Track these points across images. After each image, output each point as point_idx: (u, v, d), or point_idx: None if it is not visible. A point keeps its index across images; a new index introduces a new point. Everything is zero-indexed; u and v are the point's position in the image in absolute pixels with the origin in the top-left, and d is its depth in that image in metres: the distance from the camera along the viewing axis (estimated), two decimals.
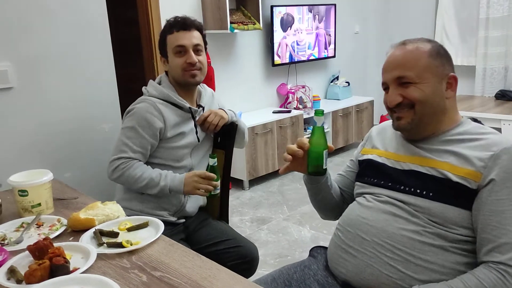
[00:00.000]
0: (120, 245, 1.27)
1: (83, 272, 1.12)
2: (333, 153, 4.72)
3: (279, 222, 3.28)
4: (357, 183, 1.44)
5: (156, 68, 3.66)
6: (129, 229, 1.39)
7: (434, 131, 1.29)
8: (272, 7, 4.22)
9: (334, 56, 4.92)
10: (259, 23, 3.96)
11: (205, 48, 1.88)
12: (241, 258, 1.84)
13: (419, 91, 1.23)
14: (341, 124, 4.64)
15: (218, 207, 2.05)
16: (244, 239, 1.90)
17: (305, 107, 4.45)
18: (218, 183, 1.75)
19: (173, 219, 1.85)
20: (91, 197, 1.71)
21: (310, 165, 1.30)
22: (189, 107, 1.84)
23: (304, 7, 4.48)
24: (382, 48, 5.66)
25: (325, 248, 1.52)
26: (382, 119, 5.50)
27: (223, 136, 2.02)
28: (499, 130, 4.01)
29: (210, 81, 3.61)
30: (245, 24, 3.87)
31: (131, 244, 1.27)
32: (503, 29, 4.64)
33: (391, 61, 1.29)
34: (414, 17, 5.38)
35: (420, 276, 1.16)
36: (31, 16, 1.93)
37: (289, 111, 4.23)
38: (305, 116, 4.30)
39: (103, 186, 2.00)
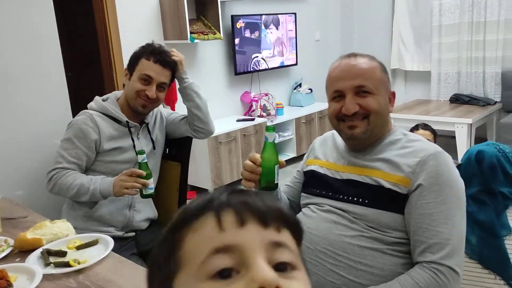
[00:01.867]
0: (67, 265, 1.26)
1: None
2: (296, 159, 4.78)
3: None
4: (303, 194, 1.48)
5: (116, 80, 3.63)
6: (78, 248, 1.38)
7: (374, 141, 1.34)
8: (232, 16, 4.25)
9: (296, 64, 4.99)
10: (220, 32, 3.98)
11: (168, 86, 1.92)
12: None
13: (376, 102, 1.28)
14: (304, 131, 4.71)
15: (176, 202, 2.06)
16: None
17: (268, 114, 4.50)
18: (150, 181, 1.66)
19: (120, 233, 1.85)
20: (42, 216, 1.69)
21: (263, 180, 1.32)
22: (127, 121, 1.85)
23: (264, 16, 4.53)
24: (342, 54, 5.77)
25: None
26: None
27: (178, 148, 2.03)
28: (453, 132, 4.16)
29: (171, 90, 3.62)
30: (205, 34, 3.88)
31: (79, 263, 1.26)
32: (455, 36, 4.83)
33: (348, 69, 1.30)
34: (371, 25, 5.53)
35: (361, 281, 1.20)
36: None
37: (252, 119, 4.27)
38: (269, 123, 4.34)
39: (56, 203, 1.97)
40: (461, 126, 4.07)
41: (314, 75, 5.39)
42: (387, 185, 1.24)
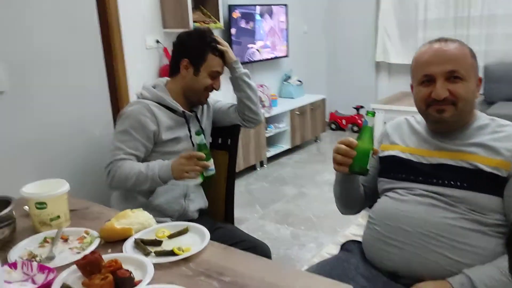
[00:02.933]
0: (172, 253, 1.21)
1: (149, 284, 1.06)
2: (291, 150, 4.82)
3: (255, 221, 3.28)
4: (383, 179, 1.49)
5: (115, 65, 3.49)
6: (170, 237, 1.33)
7: (461, 125, 1.37)
8: (230, 6, 4.20)
9: (287, 56, 5.00)
10: (219, 21, 3.93)
11: None
12: None
13: (466, 88, 1.30)
14: (298, 122, 4.74)
15: (222, 209, 2.02)
16: (256, 240, 1.89)
17: (264, 106, 4.49)
18: (210, 162, 1.61)
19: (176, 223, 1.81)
20: (102, 206, 1.61)
21: (356, 165, 1.32)
22: (183, 111, 1.81)
23: (259, 7, 4.51)
24: (329, 47, 5.86)
25: (358, 242, 1.56)
26: (332, 116, 5.70)
27: (226, 136, 2.00)
28: None
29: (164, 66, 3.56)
30: (206, 23, 3.81)
31: (183, 251, 1.22)
32: (440, 30, 5.00)
33: (440, 54, 1.31)
34: (357, 19, 5.63)
35: (466, 260, 1.23)
36: (24, 19, 1.78)
37: None
38: (266, 115, 4.34)
39: (102, 194, 1.89)
40: (412, 115, 4.21)
41: (303, 67, 5.44)
42: (487, 169, 1.26)
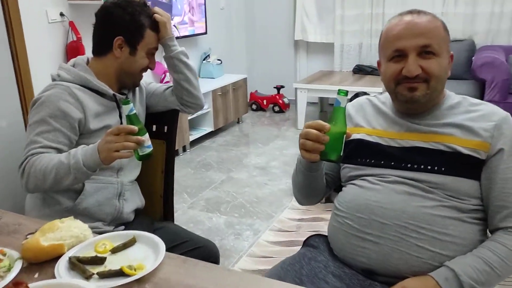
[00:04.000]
0: (121, 273, 0.98)
1: None
2: (214, 133, 4.61)
3: (185, 212, 3.06)
4: (348, 165, 1.36)
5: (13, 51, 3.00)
6: (114, 251, 1.09)
7: (431, 105, 1.28)
8: None
9: (206, 33, 4.74)
10: None
11: None
12: (205, 260, 1.62)
13: (439, 66, 1.21)
14: (220, 103, 4.54)
15: (160, 207, 1.79)
16: (201, 239, 1.70)
17: None
18: (146, 137, 1.29)
19: (110, 228, 1.55)
20: (19, 215, 1.30)
21: (331, 151, 1.16)
22: (113, 94, 1.54)
23: None
24: (247, 24, 5.68)
25: (324, 236, 1.42)
26: (252, 96, 5.57)
27: (161, 123, 1.75)
28: None
29: (78, 45, 3.16)
30: None
31: (135, 270, 0.99)
32: (357, 9, 5.06)
33: (412, 27, 1.21)
34: None
35: (447, 252, 1.15)
36: None
37: None
38: None
39: (17, 201, 1.55)
40: (373, 95, 4.31)
41: (222, 45, 5.22)
42: (465, 151, 1.19)
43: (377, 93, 4.28)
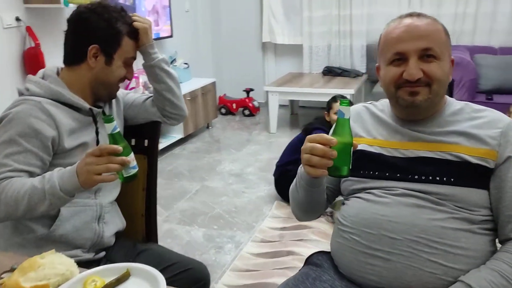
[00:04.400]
0: None
1: None
2: (184, 139, 4.46)
3: (160, 226, 2.89)
4: (351, 178, 1.27)
5: None
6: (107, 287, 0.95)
7: (433, 112, 1.22)
8: None
9: (171, 36, 4.58)
10: None
11: None
12: (195, 283, 1.50)
13: (440, 69, 1.16)
14: (189, 109, 4.38)
15: (142, 227, 1.65)
16: (191, 260, 1.57)
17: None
18: (131, 157, 1.16)
19: (90, 255, 1.40)
20: None
21: (340, 166, 1.08)
22: (90, 108, 1.39)
23: None
24: (213, 27, 5.55)
25: (327, 253, 1.33)
26: (221, 100, 5.44)
27: (141, 136, 1.61)
28: None
29: (36, 53, 2.96)
30: None
31: None
32: (325, 10, 5.03)
33: (413, 30, 1.15)
34: None
35: (460, 266, 1.09)
36: None
37: None
38: None
39: None
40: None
41: (188, 48, 5.07)
42: (473, 160, 1.13)
43: (349, 94, 4.26)
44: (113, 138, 1.15)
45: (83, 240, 1.37)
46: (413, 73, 1.13)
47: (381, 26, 4.97)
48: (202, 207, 3.15)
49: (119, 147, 1.13)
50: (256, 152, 4.19)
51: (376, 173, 1.22)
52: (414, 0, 4.69)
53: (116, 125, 1.15)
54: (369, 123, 1.31)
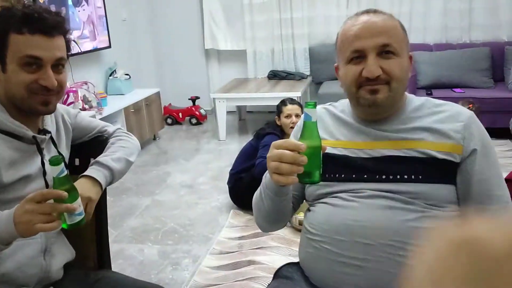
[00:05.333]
0: None
1: None
2: None
3: (110, 247, 2.72)
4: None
5: None
6: None
7: (395, 110, 1.20)
8: None
9: (109, 46, 4.39)
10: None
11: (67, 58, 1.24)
12: None
13: (400, 66, 1.13)
14: (134, 121, 4.21)
15: (94, 254, 1.51)
16: (148, 285, 1.45)
17: (91, 107, 3.84)
18: (77, 203, 1.07)
19: None
20: None
21: (311, 172, 1.02)
22: (33, 136, 1.23)
23: None
24: (153, 35, 5.39)
25: (296, 264, 1.27)
26: (167, 110, 5.28)
27: (87, 155, 1.48)
28: None
29: None
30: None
31: None
32: (266, 14, 5.03)
33: (370, 26, 1.12)
34: (181, 4, 5.29)
35: None
36: None
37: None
38: (98, 117, 3.71)
39: None
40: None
41: (129, 58, 4.89)
42: (439, 155, 1.12)
43: (296, 97, 4.26)
44: (59, 181, 1.05)
45: (27, 278, 1.22)
46: (372, 69, 1.10)
47: (322, 28, 5.05)
48: (154, 222, 3.00)
49: (64, 193, 1.03)
50: (206, 161, 4.08)
51: (342, 175, 1.18)
52: (352, 2, 4.79)
53: (64, 168, 1.04)
54: (330, 125, 1.27)
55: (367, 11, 1.19)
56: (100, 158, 1.38)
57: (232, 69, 5.44)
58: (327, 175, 1.19)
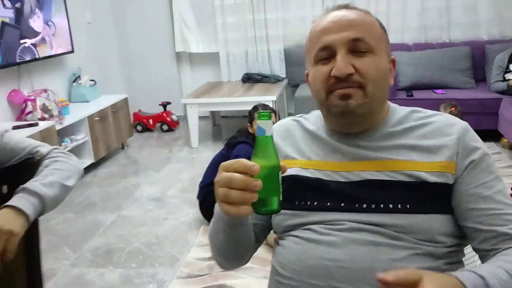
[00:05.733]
0: None
1: None
2: (96, 164, 4.00)
3: (68, 271, 2.47)
4: (284, 211, 1.01)
5: None
6: None
7: (375, 122, 1.00)
8: None
9: (72, 51, 4.11)
10: None
11: None
12: None
13: (374, 65, 0.93)
14: (99, 130, 3.94)
15: (23, 279, 1.27)
16: None
17: (52, 116, 3.56)
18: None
19: None
20: None
21: (268, 200, 0.81)
22: None
23: None
24: (120, 39, 5.13)
25: None
26: (136, 117, 5.02)
27: (17, 181, 1.23)
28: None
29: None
30: None
31: None
32: (238, 16, 4.81)
33: (339, 19, 0.95)
34: (150, 5, 5.04)
35: None
36: None
37: (34, 124, 3.28)
38: (58, 127, 3.44)
39: None
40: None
41: (93, 63, 4.62)
42: (430, 177, 0.92)
43: (271, 101, 4.06)
44: None
45: None
46: (341, 66, 0.90)
47: (297, 29, 4.84)
48: (117, 242, 2.75)
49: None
50: (177, 171, 3.84)
51: (315, 203, 0.97)
52: (328, 2, 4.60)
53: None
54: (301, 141, 1.06)
55: (338, 6, 1.00)
56: (28, 184, 1.17)
57: (205, 72, 5.21)
58: (296, 202, 0.99)
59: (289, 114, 5.09)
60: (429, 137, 0.96)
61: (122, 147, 4.51)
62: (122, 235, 2.82)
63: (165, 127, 4.95)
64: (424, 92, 4.08)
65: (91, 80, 4.29)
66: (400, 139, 0.97)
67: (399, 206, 0.91)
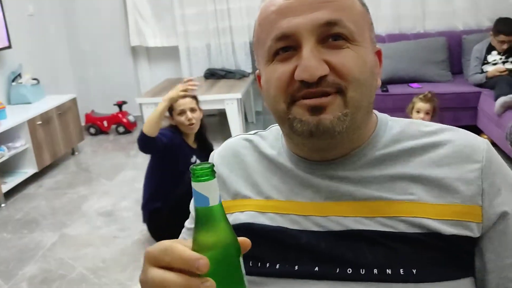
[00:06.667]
0: None
1: None
2: (40, 174, 3.55)
3: None
4: None
5: None
6: None
7: (359, 143, 0.68)
8: None
9: (9, 47, 3.65)
10: None
11: None
12: None
13: (358, 60, 0.62)
14: (42, 135, 3.50)
15: None
16: None
17: None
18: None
19: None
20: None
21: None
22: None
23: None
24: (68, 32, 4.67)
25: None
26: (89, 118, 4.57)
27: None
28: (223, 111, 3.81)
29: None
30: None
31: None
32: (198, 6, 4.44)
33: None
34: None
35: None
36: None
37: None
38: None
39: None
40: (231, 102, 3.76)
41: (37, 60, 4.16)
42: (445, 228, 0.61)
43: (235, 100, 3.72)
44: None
45: None
46: (309, 65, 0.59)
47: None
48: (58, 267, 2.35)
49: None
50: (133, 179, 3.44)
51: (277, 266, 0.65)
52: None
53: None
54: (256, 172, 0.74)
55: None
56: None
57: (164, 68, 4.80)
58: (250, 263, 0.65)
59: (257, 113, 4.75)
60: (440, 165, 0.64)
61: (73, 153, 4.07)
62: (63, 259, 2.43)
63: (121, 129, 4.53)
64: (399, 86, 3.81)
65: (34, 79, 3.84)
66: (396, 167, 0.66)
67: (401, 271, 0.60)
